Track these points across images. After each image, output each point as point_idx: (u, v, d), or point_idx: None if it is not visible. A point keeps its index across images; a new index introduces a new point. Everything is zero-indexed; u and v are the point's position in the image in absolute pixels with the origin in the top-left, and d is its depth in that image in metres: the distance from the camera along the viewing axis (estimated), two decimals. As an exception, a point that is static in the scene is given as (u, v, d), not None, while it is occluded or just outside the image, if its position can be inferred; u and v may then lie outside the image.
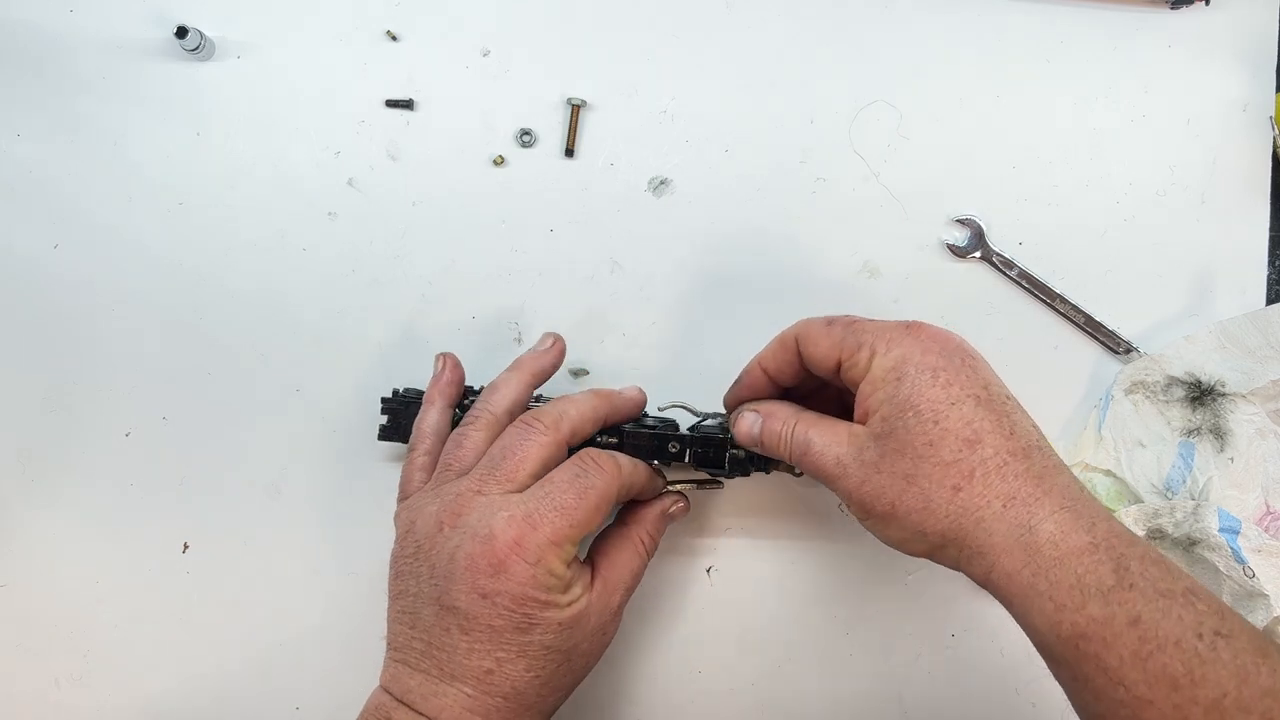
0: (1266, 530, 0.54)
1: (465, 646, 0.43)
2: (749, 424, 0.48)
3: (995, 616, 0.53)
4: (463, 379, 0.53)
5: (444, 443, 0.50)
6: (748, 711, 0.57)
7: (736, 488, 0.56)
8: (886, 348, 0.42)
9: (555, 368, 0.52)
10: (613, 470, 0.46)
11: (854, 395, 0.44)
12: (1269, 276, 0.59)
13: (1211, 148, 0.60)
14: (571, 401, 0.49)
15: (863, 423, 0.43)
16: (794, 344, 0.46)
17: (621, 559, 0.48)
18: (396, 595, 0.46)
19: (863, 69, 0.59)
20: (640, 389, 0.52)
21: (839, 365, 0.44)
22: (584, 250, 0.58)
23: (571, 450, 0.48)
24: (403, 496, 0.49)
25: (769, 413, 0.47)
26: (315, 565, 0.56)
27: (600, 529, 0.47)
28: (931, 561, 0.43)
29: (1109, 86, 0.60)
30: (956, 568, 0.42)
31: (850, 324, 0.44)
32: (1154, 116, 0.60)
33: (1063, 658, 0.38)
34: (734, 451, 0.50)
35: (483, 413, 0.49)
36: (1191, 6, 0.59)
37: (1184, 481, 0.55)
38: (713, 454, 0.50)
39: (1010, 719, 0.57)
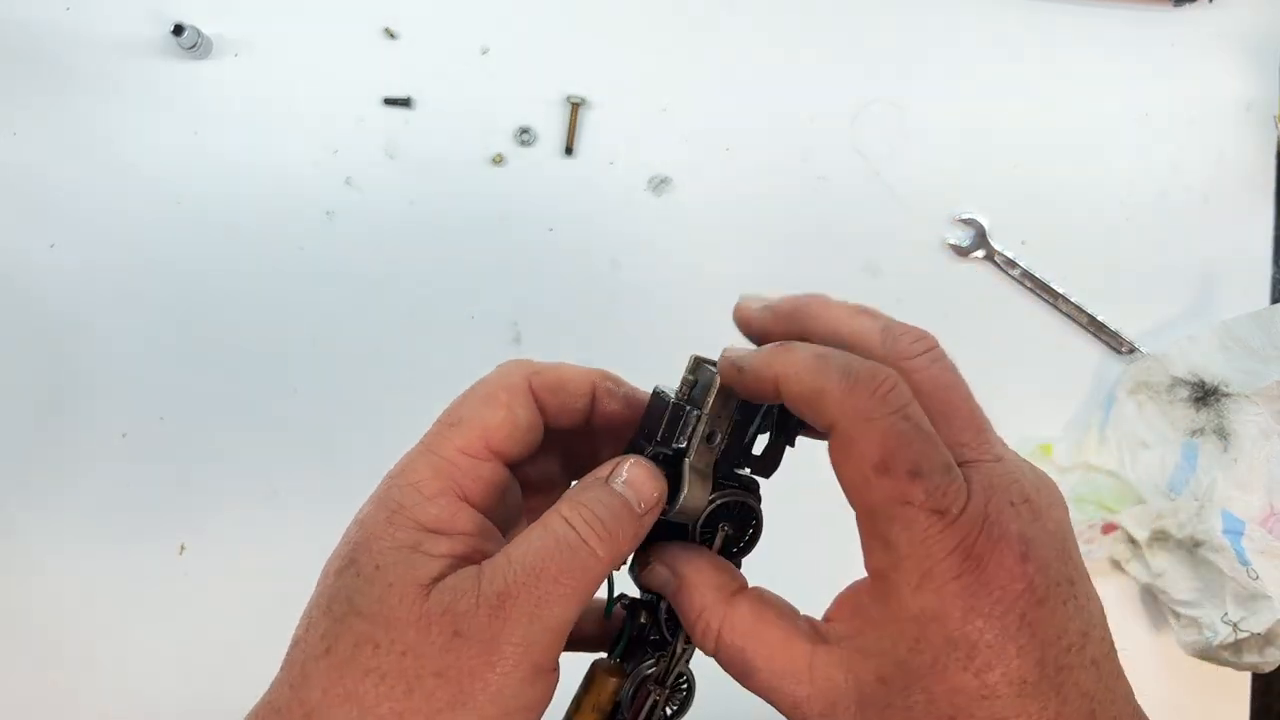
0: (1270, 532, 0.54)
1: None
2: (661, 582, 0.32)
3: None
4: None
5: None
6: (747, 710, 0.57)
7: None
8: (919, 581, 0.26)
9: None
10: None
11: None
12: (1273, 276, 0.59)
13: (1215, 147, 0.59)
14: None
15: (831, 621, 0.29)
16: (774, 387, 0.29)
17: None
18: None
19: (863, 68, 0.59)
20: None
21: (855, 482, 0.27)
22: (584, 250, 0.58)
23: None
24: None
25: (687, 582, 0.31)
26: (312, 567, 0.56)
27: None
28: None
29: (1111, 85, 0.59)
30: None
31: (903, 493, 0.26)
32: (1157, 115, 0.59)
33: None
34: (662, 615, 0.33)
35: None
36: (1194, 5, 0.59)
37: (1188, 482, 0.55)
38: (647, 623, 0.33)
39: None
